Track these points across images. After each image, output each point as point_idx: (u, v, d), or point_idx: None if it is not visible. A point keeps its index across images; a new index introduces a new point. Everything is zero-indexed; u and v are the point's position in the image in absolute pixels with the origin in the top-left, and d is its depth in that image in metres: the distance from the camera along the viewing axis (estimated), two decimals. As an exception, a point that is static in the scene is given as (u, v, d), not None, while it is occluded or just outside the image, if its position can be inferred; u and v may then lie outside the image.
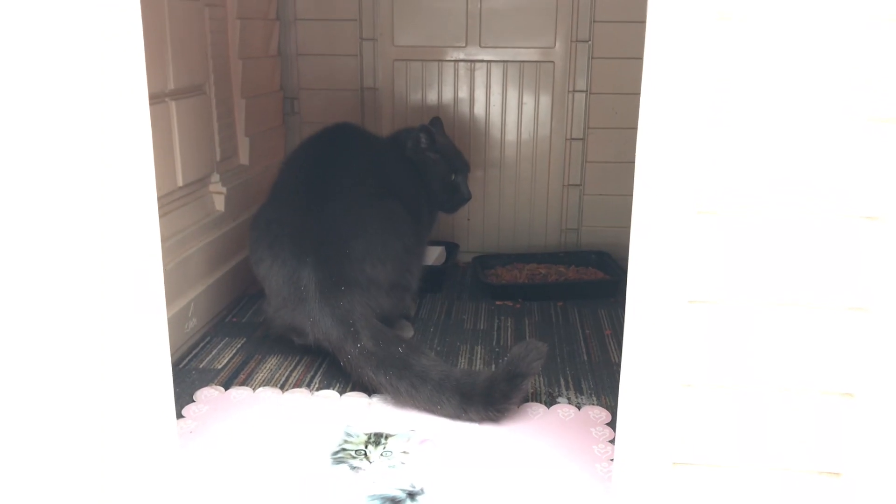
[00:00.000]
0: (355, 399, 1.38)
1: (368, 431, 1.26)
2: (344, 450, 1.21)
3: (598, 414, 1.34)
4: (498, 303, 1.89)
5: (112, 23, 0.80)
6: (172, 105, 1.54)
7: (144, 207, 0.88)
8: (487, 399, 1.28)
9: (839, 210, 0.78)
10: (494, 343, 1.65)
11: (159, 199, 1.50)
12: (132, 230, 0.86)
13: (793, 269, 0.80)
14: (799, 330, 0.82)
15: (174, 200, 1.59)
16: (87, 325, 0.89)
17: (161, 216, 1.51)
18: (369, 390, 1.38)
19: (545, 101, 2.12)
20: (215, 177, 1.77)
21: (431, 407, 1.30)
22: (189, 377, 1.46)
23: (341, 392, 1.41)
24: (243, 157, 1.93)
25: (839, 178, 0.78)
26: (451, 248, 2.13)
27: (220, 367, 1.51)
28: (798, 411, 0.84)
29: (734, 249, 0.80)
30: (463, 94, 2.14)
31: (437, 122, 1.86)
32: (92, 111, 0.82)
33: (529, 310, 1.84)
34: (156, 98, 1.48)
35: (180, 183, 1.58)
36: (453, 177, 1.81)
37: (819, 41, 0.74)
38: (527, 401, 1.37)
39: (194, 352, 1.57)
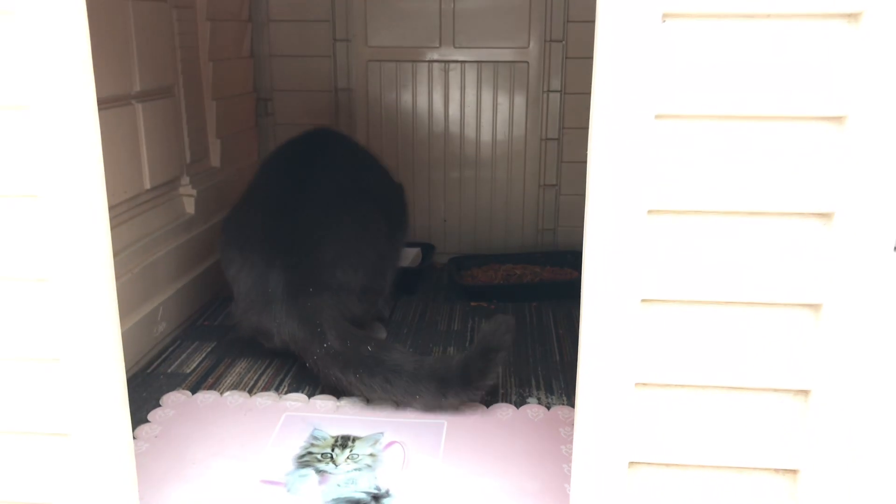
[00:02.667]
0: (323, 402, 1.37)
1: (336, 434, 1.26)
2: (310, 453, 1.20)
3: (568, 414, 1.33)
4: (473, 304, 1.88)
5: (55, 20, 0.79)
6: (139, 107, 1.52)
7: (93, 212, 0.86)
8: (465, 379, 1.28)
9: (791, 208, 0.78)
10: (468, 344, 1.64)
11: (126, 201, 1.50)
12: (79, 237, 0.85)
13: (745, 266, 0.80)
14: (752, 328, 0.81)
15: (142, 203, 1.58)
16: (34, 328, 0.88)
17: (128, 219, 1.52)
18: (338, 393, 1.37)
19: (520, 101, 2.12)
20: (185, 179, 1.76)
21: (409, 398, 1.30)
22: (157, 381, 1.44)
23: (310, 395, 1.40)
24: (214, 160, 1.91)
25: (790, 176, 0.77)
26: (427, 250, 2.12)
27: (188, 371, 1.49)
28: (753, 409, 0.84)
29: (685, 248, 0.80)
30: (437, 94, 2.14)
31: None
32: (33, 109, 0.81)
33: (504, 311, 1.83)
34: (121, 100, 1.47)
35: (148, 186, 1.57)
36: None
37: (765, 39, 0.74)
38: (496, 401, 1.37)
39: (163, 356, 1.56)
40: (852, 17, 0.73)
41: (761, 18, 0.73)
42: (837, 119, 0.75)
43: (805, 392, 0.83)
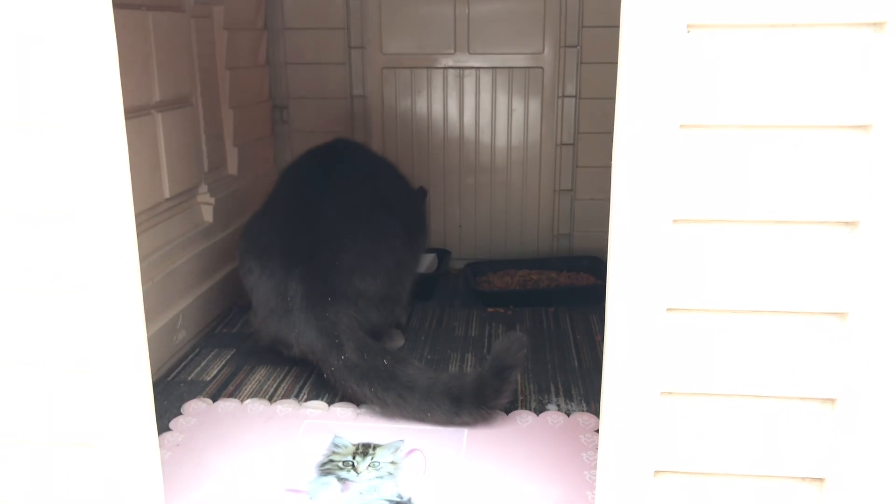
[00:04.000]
0: (343, 410, 1.37)
1: (356, 442, 1.26)
2: (332, 461, 1.21)
3: (588, 421, 1.33)
4: (490, 310, 1.88)
5: (84, 32, 0.80)
6: (158, 117, 1.54)
7: (121, 220, 0.87)
8: (478, 398, 1.28)
9: (816, 217, 0.78)
10: (485, 350, 1.65)
11: (146, 210, 1.51)
12: (108, 244, 0.86)
13: (771, 275, 0.80)
14: (778, 336, 0.81)
15: (161, 212, 1.59)
16: (64, 340, 0.89)
17: (148, 228, 1.53)
18: (357, 401, 1.38)
19: (535, 106, 2.12)
20: (203, 188, 1.77)
21: (421, 415, 1.30)
22: (177, 389, 1.45)
23: (330, 403, 1.40)
24: (232, 168, 1.93)
25: (815, 185, 0.77)
26: (443, 256, 2.13)
27: (208, 378, 1.50)
28: (779, 418, 0.84)
29: (711, 257, 0.80)
30: (452, 100, 2.14)
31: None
32: (63, 122, 0.82)
33: (521, 316, 1.84)
34: (141, 110, 1.48)
35: (167, 195, 1.58)
36: None
37: (790, 49, 0.74)
38: (516, 408, 1.37)
39: (183, 364, 1.57)
40: (878, 25, 0.73)
41: (786, 28, 0.73)
42: (863, 127, 0.75)
43: (831, 400, 0.83)
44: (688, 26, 0.74)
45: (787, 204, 0.77)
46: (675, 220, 0.79)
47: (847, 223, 0.78)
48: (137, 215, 1.45)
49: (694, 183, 0.78)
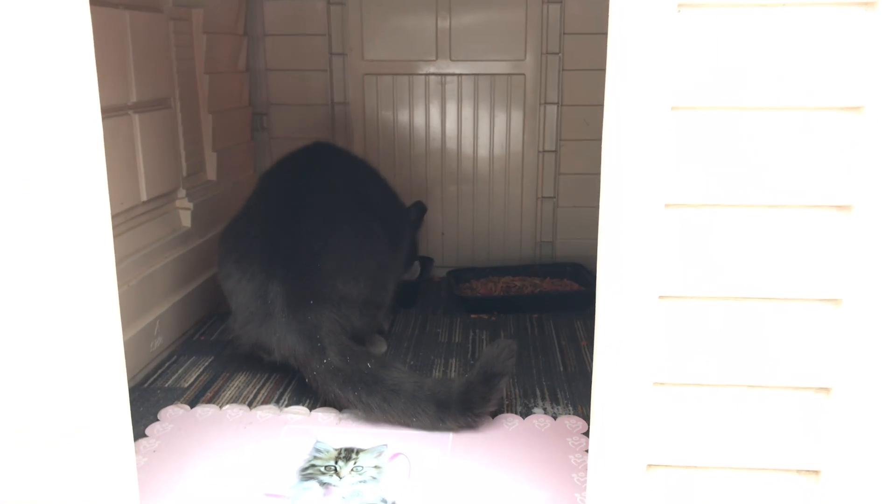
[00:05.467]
0: (325, 415, 1.34)
1: (339, 447, 1.23)
2: (313, 466, 1.17)
3: (575, 423, 1.31)
4: (473, 316, 1.86)
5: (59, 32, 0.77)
6: (136, 118, 1.51)
7: (98, 223, 0.84)
8: (465, 404, 1.25)
9: (809, 201, 0.77)
10: (469, 356, 1.62)
11: (122, 213, 1.48)
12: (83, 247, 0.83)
13: (764, 261, 0.78)
14: (772, 324, 0.80)
15: (138, 215, 1.56)
16: (37, 345, 0.85)
17: (124, 231, 1.49)
18: (340, 406, 1.35)
19: (517, 113, 2.11)
20: (181, 192, 1.74)
21: (406, 420, 1.27)
22: (154, 396, 1.41)
23: (311, 408, 1.37)
24: (211, 173, 1.89)
25: (808, 169, 0.76)
26: (426, 263, 2.10)
27: (186, 385, 1.46)
28: (774, 408, 0.82)
29: (704, 243, 0.78)
30: (434, 108, 2.13)
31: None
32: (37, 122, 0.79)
33: (505, 322, 1.81)
34: (118, 110, 1.45)
35: (144, 198, 1.54)
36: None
37: (782, 27, 0.73)
38: (502, 412, 1.34)
39: (160, 371, 1.52)
40: (868, 4, 0.72)
41: (778, 7, 0.72)
42: (856, 109, 0.74)
43: (826, 389, 0.81)
44: (678, 5, 0.73)
45: (779, 187, 0.76)
46: (667, 205, 0.77)
47: (840, 207, 0.77)
48: (114, 217, 1.42)
49: (686, 166, 0.76)
